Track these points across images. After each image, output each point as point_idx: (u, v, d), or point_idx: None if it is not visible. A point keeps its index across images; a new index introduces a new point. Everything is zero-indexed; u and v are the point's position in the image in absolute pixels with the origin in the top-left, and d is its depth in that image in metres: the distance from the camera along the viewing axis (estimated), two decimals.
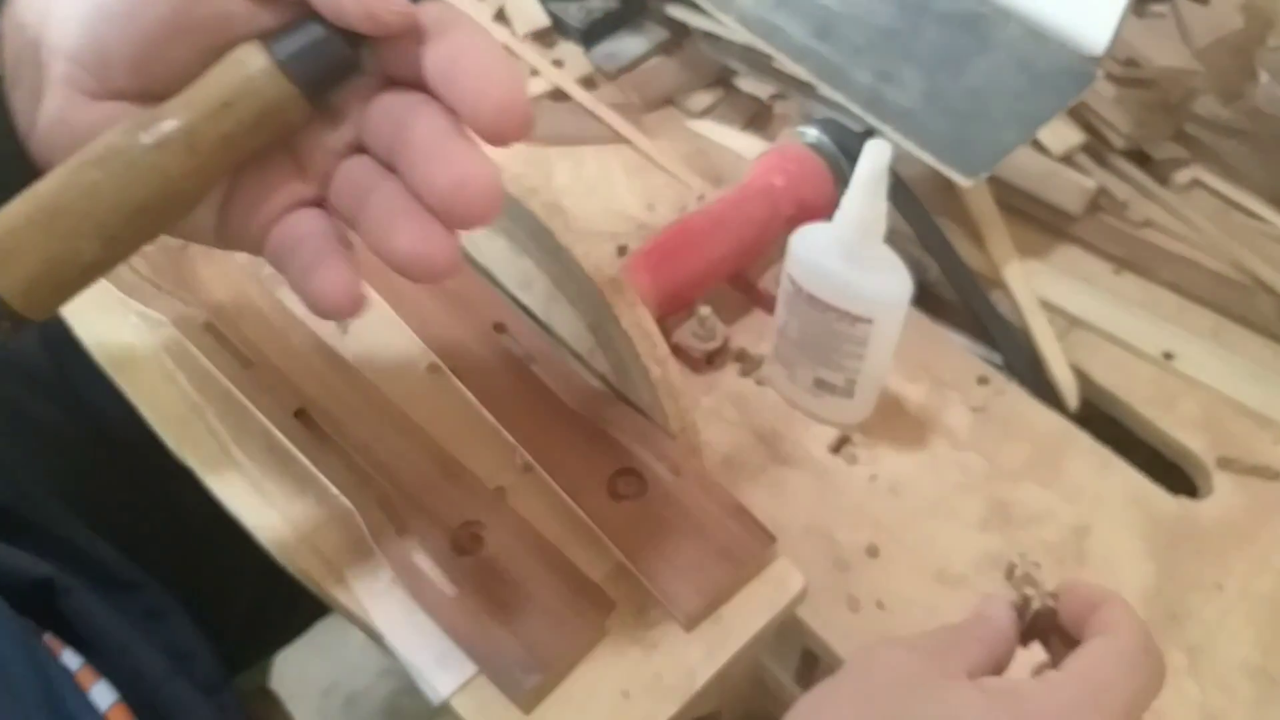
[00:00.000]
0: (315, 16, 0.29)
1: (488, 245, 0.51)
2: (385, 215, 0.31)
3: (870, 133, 0.58)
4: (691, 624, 0.41)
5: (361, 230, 0.31)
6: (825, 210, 0.56)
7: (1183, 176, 0.70)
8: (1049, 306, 0.61)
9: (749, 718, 0.57)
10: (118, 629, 0.43)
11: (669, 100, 0.74)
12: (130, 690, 0.39)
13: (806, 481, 0.51)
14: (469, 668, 0.39)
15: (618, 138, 0.70)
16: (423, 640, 0.39)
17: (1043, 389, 0.56)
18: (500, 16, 0.78)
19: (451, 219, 0.30)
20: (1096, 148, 0.71)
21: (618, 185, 0.67)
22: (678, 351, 0.55)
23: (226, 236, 0.33)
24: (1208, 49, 0.70)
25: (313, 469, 0.44)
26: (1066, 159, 0.68)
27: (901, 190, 0.57)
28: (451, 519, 0.42)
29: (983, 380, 0.56)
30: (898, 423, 0.54)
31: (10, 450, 0.50)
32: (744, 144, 0.70)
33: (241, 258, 0.53)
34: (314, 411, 0.46)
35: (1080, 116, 0.71)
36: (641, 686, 0.39)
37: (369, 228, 0.31)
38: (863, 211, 0.45)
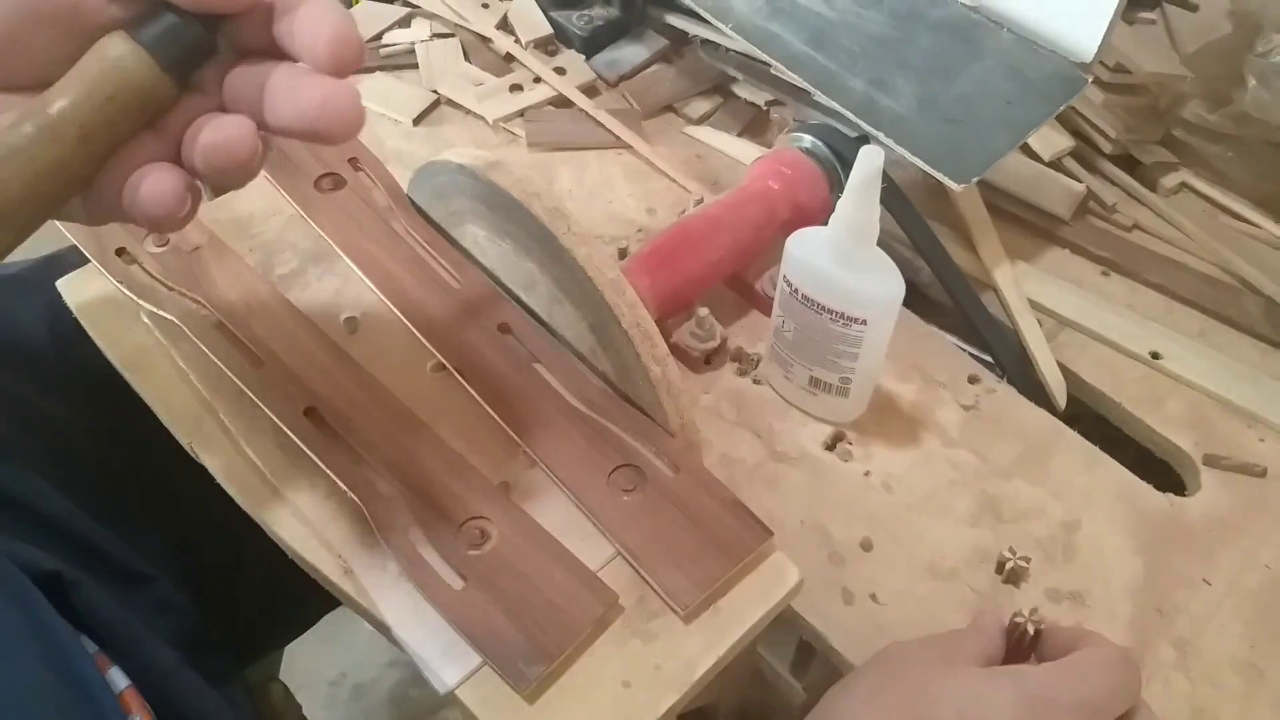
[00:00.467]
0: (168, 4, 0.32)
1: (492, 248, 0.52)
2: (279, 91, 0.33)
3: (864, 138, 0.59)
4: (690, 616, 0.41)
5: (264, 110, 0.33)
6: (820, 214, 0.57)
7: (1170, 181, 0.71)
8: (1038, 307, 0.62)
9: (746, 707, 0.58)
10: (126, 621, 0.43)
11: (668, 107, 0.75)
12: (140, 680, 0.40)
13: (802, 478, 0.51)
14: (474, 659, 0.39)
15: (618, 143, 0.71)
16: (429, 632, 0.40)
17: (1032, 388, 0.57)
18: (503, 25, 0.79)
19: (320, 137, 0.33)
20: (1085, 152, 0.72)
21: (618, 190, 0.68)
22: (677, 351, 0.56)
23: (95, 211, 0.35)
24: (1196, 55, 0.71)
25: (322, 465, 0.44)
26: (1056, 164, 0.69)
27: (895, 194, 0.58)
28: (458, 514, 0.43)
29: (973, 379, 0.57)
30: (891, 421, 0.55)
31: (21, 445, 0.51)
32: (741, 149, 0.71)
33: (251, 260, 0.54)
34: (323, 410, 0.47)
35: (1070, 122, 0.72)
36: (641, 677, 0.40)
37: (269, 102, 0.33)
38: (857, 215, 0.46)
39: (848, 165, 0.45)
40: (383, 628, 0.41)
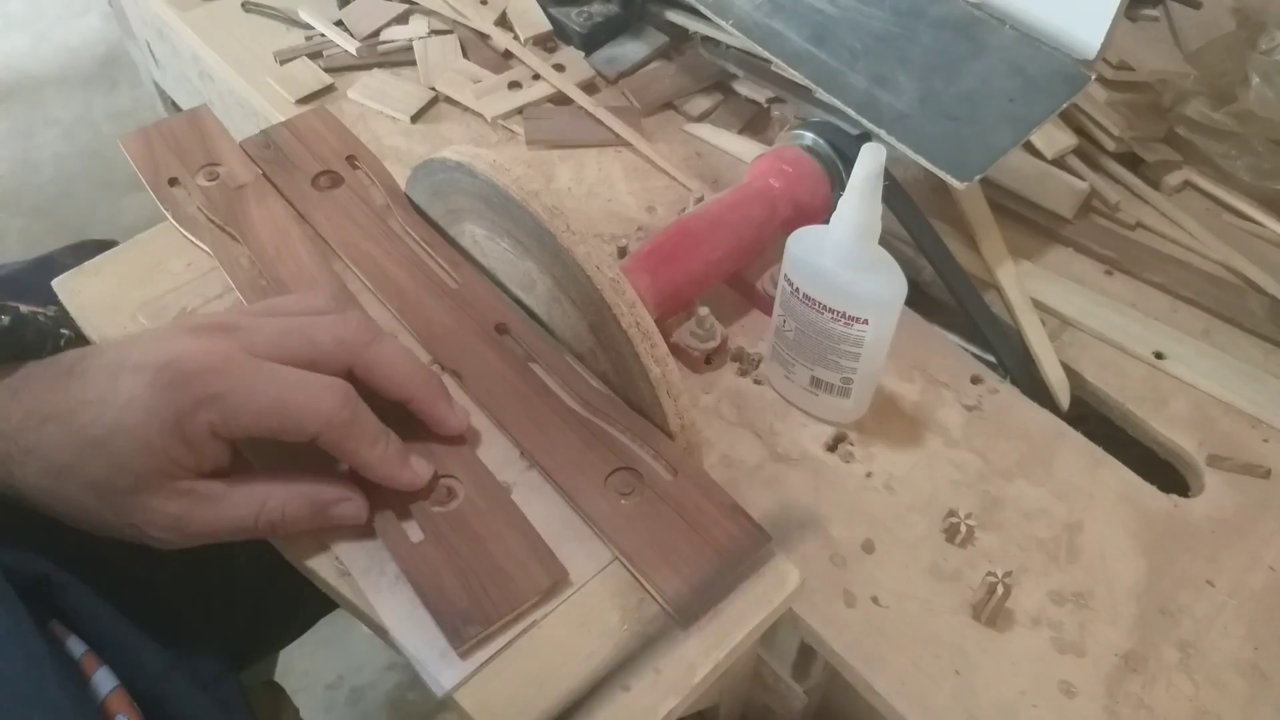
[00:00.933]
0: None
1: (490, 247, 0.52)
2: None
3: (866, 136, 0.58)
4: (688, 621, 0.41)
5: None
6: (821, 212, 0.57)
7: (1174, 179, 0.71)
8: (1041, 307, 0.61)
9: (748, 711, 0.58)
10: (115, 624, 0.43)
11: (668, 104, 0.74)
12: (129, 682, 0.40)
13: (803, 479, 0.51)
14: (472, 663, 0.39)
15: (618, 141, 0.70)
16: (427, 635, 0.40)
17: (1035, 388, 0.57)
18: (502, 21, 0.79)
19: None
20: (1088, 150, 0.72)
21: (618, 188, 0.67)
22: (677, 351, 0.55)
23: None
24: (1199, 52, 0.71)
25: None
26: (1059, 162, 0.69)
27: (896, 192, 0.58)
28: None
29: (976, 379, 0.57)
30: (893, 421, 0.54)
31: None
32: (742, 147, 0.70)
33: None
34: None
35: (1073, 119, 0.72)
36: (641, 681, 0.39)
37: None
38: (858, 214, 0.45)
39: (849, 163, 0.45)
40: (380, 630, 0.41)
